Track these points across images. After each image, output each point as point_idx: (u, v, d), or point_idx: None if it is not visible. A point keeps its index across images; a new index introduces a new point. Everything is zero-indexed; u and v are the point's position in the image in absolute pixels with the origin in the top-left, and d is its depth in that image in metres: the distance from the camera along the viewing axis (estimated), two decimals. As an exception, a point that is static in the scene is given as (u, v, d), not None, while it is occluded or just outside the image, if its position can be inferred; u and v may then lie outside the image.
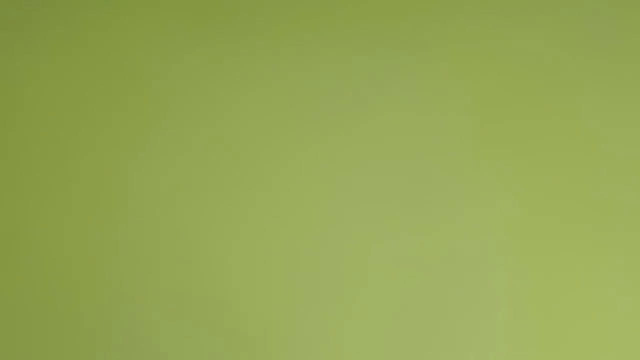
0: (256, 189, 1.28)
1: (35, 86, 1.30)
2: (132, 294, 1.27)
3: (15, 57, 1.31)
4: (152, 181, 1.28)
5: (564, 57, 1.27)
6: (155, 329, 1.27)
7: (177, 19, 1.30)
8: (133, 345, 1.27)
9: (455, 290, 1.25)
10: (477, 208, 1.25)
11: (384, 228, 1.26)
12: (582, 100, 1.26)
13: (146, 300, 1.27)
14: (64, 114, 1.30)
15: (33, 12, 1.31)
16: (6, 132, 1.30)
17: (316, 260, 1.26)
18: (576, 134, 1.26)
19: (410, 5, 1.28)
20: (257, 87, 1.29)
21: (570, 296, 1.24)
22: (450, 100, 1.27)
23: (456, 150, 1.26)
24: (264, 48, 1.29)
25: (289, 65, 1.28)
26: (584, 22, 1.27)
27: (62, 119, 1.30)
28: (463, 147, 1.26)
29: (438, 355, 1.25)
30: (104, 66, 1.30)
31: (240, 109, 1.29)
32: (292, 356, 1.26)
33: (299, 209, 1.27)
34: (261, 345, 1.26)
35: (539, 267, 1.25)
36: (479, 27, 1.27)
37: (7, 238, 1.29)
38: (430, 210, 1.26)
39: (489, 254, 1.25)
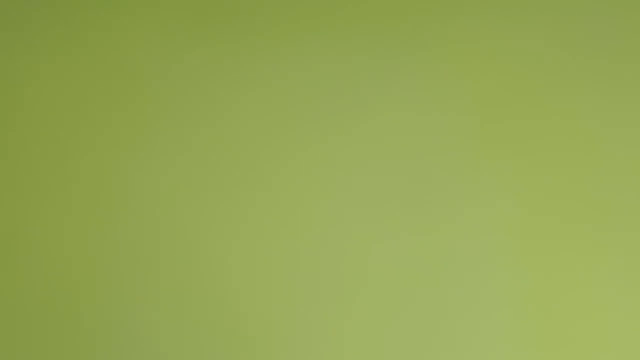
0: (256, 189, 1.28)
1: (35, 86, 1.30)
2: (132, 294, 1.27)
3: (15, 57, 1.31)
4: (152, 181, 1.28)
5: (564, 57, 1.27)
6: (156, 329, 1.27)
7: (177, 19, 1.30)
8: (133, 345, 1.27)
9: (455, 290, 1.25)
10: (477, 208, 1.25)
11: (384, 227, 1.26)
12: (582, 100, 1.26)
13: (146, 300, 1.27)
14: (64, 114, 1.30)
15: (33, 12, 1.31)
16: (6, 132, 1.30)
17: (316, 260, 1.26)
18: (576, 134, 1.26)
19: (410, 5, 1.28)
20: (257, 87, 1.29)
21: (570, 296, 1.24)
22: (450, 100, 1.27)
23: (456, 150, 1.26)
24: (264, 48, 1.29)
25: (289, 65, 1.28)
26: (584, 22, 1.27)
27: (62, 119, 1.30)
28: (463, 147, 1.26)
29: (438, 355, 1.25)
30: (104, 66, 1.30)
31: (240, 109, 1.29)
32: (292, 356, 1.26)
33: (299, 209, 1.27)
34: (261, 345, 1.26)
35: (539, 267, 1.25)
36: (479, 27, 1.27)
37: (7, 238, 1.29)
38: (430, 210, 1.26)
39: (489, 254, 1.25)
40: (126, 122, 1.29)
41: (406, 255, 1.26)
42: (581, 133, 1.26)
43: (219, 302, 1.26)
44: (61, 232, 1.28)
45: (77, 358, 1.27)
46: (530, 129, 1.26)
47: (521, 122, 1.26)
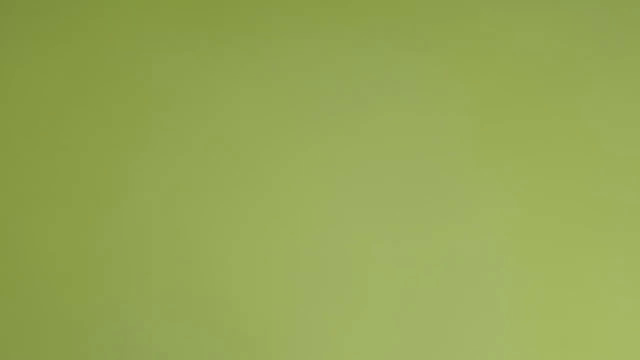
0: (256, 189, 1.28)
1: (34, 86, 1.30)
2: (132, 294, 1.27)
3: (14, 57, 1.30)
4: (152, 181, 1.28)
5: (564, 57, 1.27)
6: (155, 329, 1.27)
7: (176, 19, 1.30)
8: (133, 345, 1.26)
9: (457, 290, 1.25)
10: (477, 208, 1.26)
11: (384, 227, 1.26)
12: (583, 100, 1.26)
13: (146, 300, 1.27)
14: (64, 114, 1.29)
15: (32, 12, 1.31)
16: (6, 132, 1.30)
17: (316, 260, 1.26)
18: (577, 134, 1.26)
19: (411, 5, 1.28)
20: (257, 87, 1.28)
21: (572, 296, 1.24)
22: (450, 100, 1.27)
23: (457, 150, 1.26)
24: (263, 47, 1.29)
25: (289, 65, 1.28)
26: (585, 22, 1.27)
27: (61, 118, 1.29)
28: (463, 147, 1.26)
29: (440, 356, 1.25)
30: (103, 66, 1.29)
31: (240, 109, 1.29)
32: (292, 356, 1.26)
33: (299, 209, 1.27)
34: (261, 345, 1.26)
35: (541, 267, 1.25)
36: (479, 27, 1.27)
37: (7, 238, 1.28)
38: (430, 209, 1.26)
39: (490, 254, 1.25)
40: (125, 121, 1.29)
41: (406, 255, 1.26)
42: (582, 133, 1.26)
43: (219, 302, 1.26)
44: (61, 231, 1.28)
45: (75, 358, 1.27)
46: (531, 129, 1.26)
47: (522, 122, 1.26)
